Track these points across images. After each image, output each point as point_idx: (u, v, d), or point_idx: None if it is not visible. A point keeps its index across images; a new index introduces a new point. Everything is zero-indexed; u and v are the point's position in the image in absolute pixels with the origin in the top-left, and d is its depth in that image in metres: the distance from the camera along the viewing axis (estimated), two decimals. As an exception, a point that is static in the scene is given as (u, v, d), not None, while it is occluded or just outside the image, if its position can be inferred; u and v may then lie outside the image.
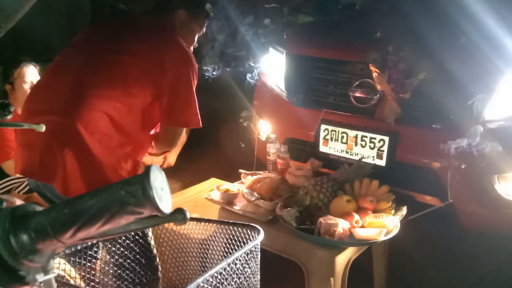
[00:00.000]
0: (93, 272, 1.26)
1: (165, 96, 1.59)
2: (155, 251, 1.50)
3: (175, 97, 1.60)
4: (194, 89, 1.64)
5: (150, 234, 1.49)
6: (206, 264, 1.38)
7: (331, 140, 2.42)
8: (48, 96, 1.56)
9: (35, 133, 1.47)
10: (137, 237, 1.34)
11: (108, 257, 1.30)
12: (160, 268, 1.48)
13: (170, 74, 1.56)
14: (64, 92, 1.51)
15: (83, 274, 1.26)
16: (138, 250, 1.38)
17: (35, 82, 2.74)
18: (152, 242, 1.50)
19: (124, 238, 1.31)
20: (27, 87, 2.69)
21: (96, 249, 1.28)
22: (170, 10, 1.71)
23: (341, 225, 1.59)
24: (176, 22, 1.71)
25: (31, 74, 2.72)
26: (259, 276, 1.11)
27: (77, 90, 1.50)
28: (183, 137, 1.92)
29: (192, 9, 1.74)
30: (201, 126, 1.69)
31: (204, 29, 1.85)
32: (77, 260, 1.15)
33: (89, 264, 1.20)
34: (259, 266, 1.09)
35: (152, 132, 1.72)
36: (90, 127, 1.46)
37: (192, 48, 1.82)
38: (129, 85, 1.53)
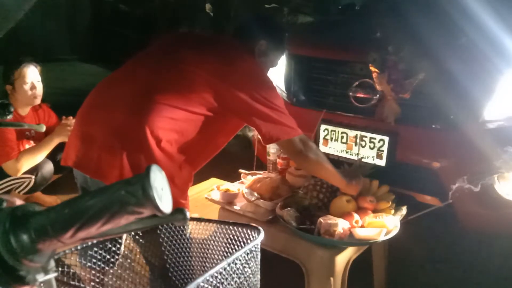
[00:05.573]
0: (94, 272, 1.26)
1: (249, 118, 1.58)
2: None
3: (254, 116, 1.57)
4: (275, 101, 1.60)
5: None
6: (206, 264, 1.38)
7: (331, 140, 2.42)
8: (117, 93, 1.53)
9: (99, 128, 1.46)
10: (137, 237, 1.34)
11: (108, 256, 1.30)
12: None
13: (242, 95, 1.54)
14: (134, 94, 1.49)
15: (84, 274, 1.26)
16: (139, 250, 1.38)
17: (35, 83, 2.74)
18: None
19: (124, 237, 1.31)
20: (27, 87, 2.68)
21: (96, 249, 1.28)
22: (254, 38, 1.73)
23: (341, 225, 1.60)
24: (255, 50, 1.73)
25: (31, 74, 2.71)
26: (259, 276, 1.11)
27: (148, 95, 1.48)
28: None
29: (273, 42, 1.77)
30: (300, 133, 1.64)
31: (278, 63, 1.87)
32: (78, 260, 1.15)
33: (89, 264, 1.20)
34: (259, 266, 1.09)
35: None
36: (155, 133, 1.43)
37: None
38: (193, 97, 1.51)
